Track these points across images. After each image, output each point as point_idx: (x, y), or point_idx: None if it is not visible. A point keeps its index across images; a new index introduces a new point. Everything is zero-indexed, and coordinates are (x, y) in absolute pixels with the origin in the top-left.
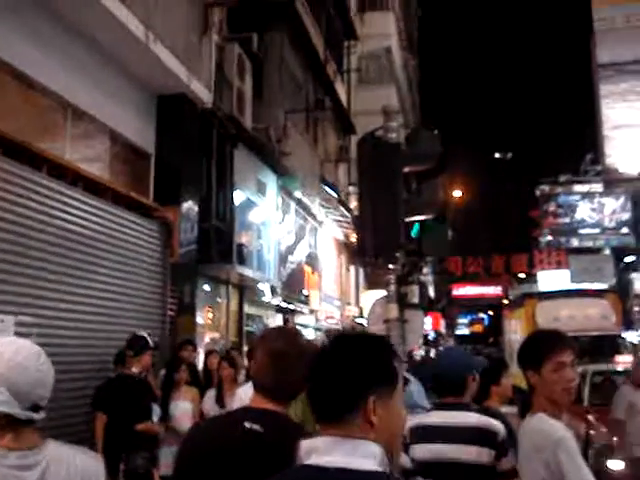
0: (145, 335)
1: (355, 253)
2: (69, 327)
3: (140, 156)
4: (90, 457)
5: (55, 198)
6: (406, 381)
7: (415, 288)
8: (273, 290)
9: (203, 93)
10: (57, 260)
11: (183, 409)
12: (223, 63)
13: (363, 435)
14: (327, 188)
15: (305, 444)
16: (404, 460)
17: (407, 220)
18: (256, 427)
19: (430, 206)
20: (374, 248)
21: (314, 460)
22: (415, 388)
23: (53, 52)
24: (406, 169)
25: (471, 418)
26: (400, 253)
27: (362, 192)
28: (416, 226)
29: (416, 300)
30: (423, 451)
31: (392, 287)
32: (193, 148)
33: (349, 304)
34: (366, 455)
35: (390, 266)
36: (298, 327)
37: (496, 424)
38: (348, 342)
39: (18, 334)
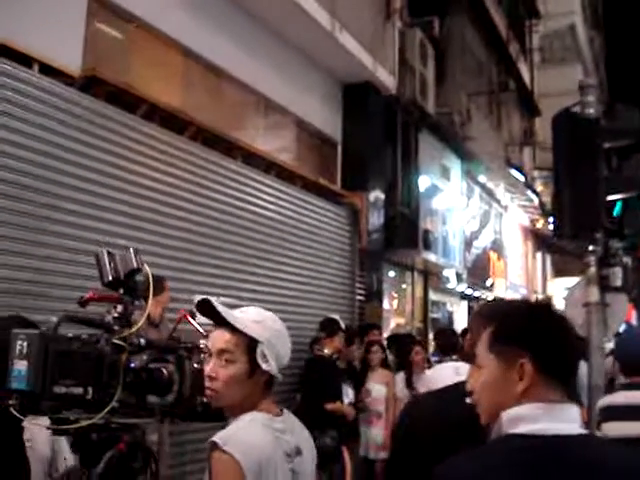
0: (337, 318)
1: (547, 237)
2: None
3: (327, 144)
4: None
5: (250, 185)
6: None
7: (618, 270)
8: (458, 276)
9: (387, 80)
10: (253, 244)
11: (377, 391)
12: (405, 49)
13: (564, 399)
14: (513, 172)
15: (509, 413)
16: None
17: (608, 199)
18: None
19: (632, 183)
20: (573, 228)
21: (522, 429)
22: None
23: (244, 45)
24: (606, 145)
25: None
26: (600, 234)
27: (558, 171)
28: (618, 205)
29: (619, 283)
30: (614, 429)
31: (592, 269)
32: (378, 135)
33: (535, 292)
34: (574, 419)
35: (590, 247)
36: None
37: None
38: (554, 311)
39: None
